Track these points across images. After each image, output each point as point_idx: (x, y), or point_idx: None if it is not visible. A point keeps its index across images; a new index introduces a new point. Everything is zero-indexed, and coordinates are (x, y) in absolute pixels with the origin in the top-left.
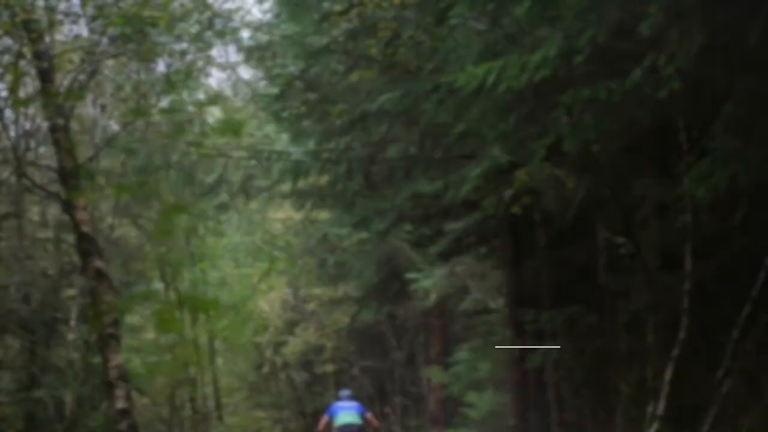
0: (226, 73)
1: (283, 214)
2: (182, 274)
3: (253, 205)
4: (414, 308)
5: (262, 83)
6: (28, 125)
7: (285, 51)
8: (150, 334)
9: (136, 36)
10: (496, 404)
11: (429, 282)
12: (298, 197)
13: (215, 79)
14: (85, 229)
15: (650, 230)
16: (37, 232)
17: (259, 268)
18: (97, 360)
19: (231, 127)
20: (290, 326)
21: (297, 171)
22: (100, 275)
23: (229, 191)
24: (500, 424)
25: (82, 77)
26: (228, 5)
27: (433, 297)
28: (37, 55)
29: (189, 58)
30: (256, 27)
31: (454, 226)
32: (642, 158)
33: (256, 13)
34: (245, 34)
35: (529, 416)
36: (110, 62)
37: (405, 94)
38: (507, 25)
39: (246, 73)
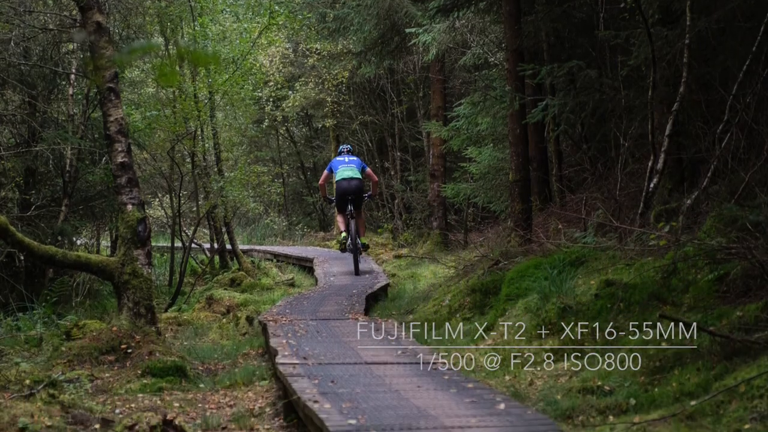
0: None
1: None
2: (182, 29)
3: None
4: (414, 63)
5: None
6: None
7: None
8: (150, 89)
9: None
10: (496, 159)
11: (429, 36)
12: None
13: None
14: None
15: None
16: None
17: (259, 22)
18: (97, 114)
19: None
20: (290, 81)
21: None
22: (100, 29)
23: None
24: (500, 178)
25: None
26: None
27: (432, 52)
28: None
29: None
30: None
31: None
32: None
33: None
34: None
35: (528, 171)
36: None
37: None
38: None
39: None
